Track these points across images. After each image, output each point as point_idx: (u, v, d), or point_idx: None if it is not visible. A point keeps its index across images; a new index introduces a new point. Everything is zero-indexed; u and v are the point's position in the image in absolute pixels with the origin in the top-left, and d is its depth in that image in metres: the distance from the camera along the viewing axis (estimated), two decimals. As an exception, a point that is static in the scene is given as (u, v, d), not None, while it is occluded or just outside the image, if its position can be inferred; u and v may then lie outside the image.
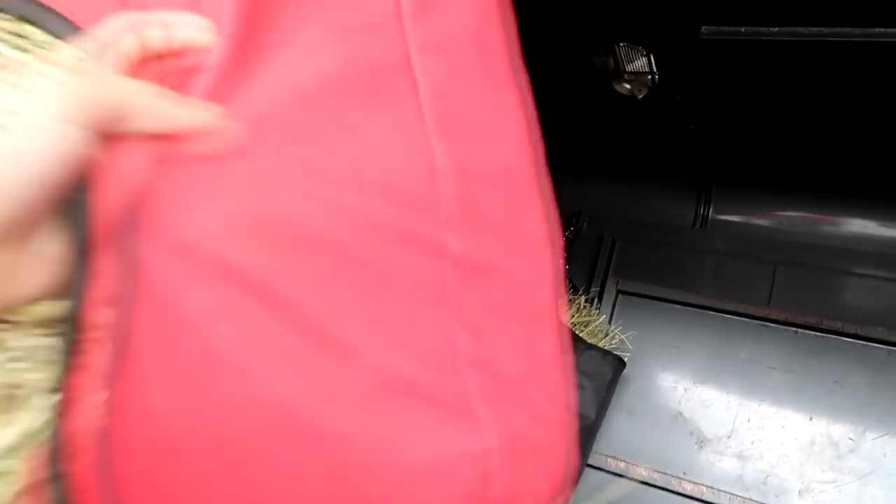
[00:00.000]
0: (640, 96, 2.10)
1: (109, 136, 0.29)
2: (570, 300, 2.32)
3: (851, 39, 1.56)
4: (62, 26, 0.30)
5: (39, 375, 0.29)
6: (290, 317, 0.32)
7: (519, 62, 0.46)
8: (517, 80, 0.45)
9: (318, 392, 0.32)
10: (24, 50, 0.30)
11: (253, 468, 0.32)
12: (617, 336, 2.22)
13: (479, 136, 0.40)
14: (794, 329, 2.09)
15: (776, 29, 1.58)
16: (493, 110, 0.42)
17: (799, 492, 1.91)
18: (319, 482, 0.33)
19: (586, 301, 2.33)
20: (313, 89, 0.34)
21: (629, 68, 2.03)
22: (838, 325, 2.04)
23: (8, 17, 0.30)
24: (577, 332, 2.17)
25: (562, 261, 0.49)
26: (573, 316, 2.26)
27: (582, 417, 2.00)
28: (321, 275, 0.33)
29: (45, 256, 0.28)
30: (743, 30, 1.62)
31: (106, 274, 0.29)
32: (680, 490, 1.98)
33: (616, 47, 1.96)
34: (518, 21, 0.46)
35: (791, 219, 2.32)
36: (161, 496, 0.31)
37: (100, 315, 0.29)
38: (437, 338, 0.36)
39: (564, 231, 2.42)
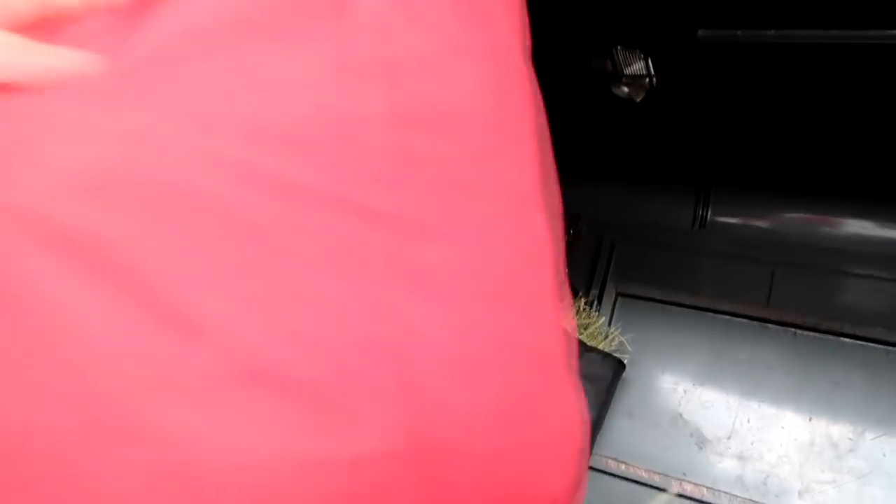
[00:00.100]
0: (638, 99, 2.11)
1: None
2: (570, 302, 2.33)
3: (847, 42, 1.57)
4: None
5: None
6: (132, 290, 0.28)
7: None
8: (495, 18, 0.39)
9: (155, 379, 0.28)
10: None
11: (85, 474, 0.27)
12: (617, 338, 2.23)
13: (436, 80, 0.35)
14: (793, 330, 2.10)
15: (772, 32, 1.60)
16: (456, 51, 0.36)
17: (799, 492, 1.92)
18: (159, 491, 0.28)
19: (586, 303, 2.34)
20: (208, 30, 0.30)
21: (627, 72, 2.04)
22: (837, 326, 2.04)
23: None
24: (577, 335, 2.18)
25: (562, 242, 0.45)
26: (573, 318, 2.27)
27: (582, 419, 2.00)
28: (180, 240, 0.28)
29: None
30: (739, 33, 1.63)
31: None
32: (680, 491, 1.99)
33: (614, 51, 1.97)
34: None
35: (789, 220, 2.32)
36: None
37: None
38: (330, 317, 0.30)
39: (564, 234, 2.42)
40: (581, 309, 2.30)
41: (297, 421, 0.29)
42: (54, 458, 0.27)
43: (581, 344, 2.13)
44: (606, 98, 2.14)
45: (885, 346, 1.99)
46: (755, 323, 2.16)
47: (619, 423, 2.14)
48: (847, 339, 2.04)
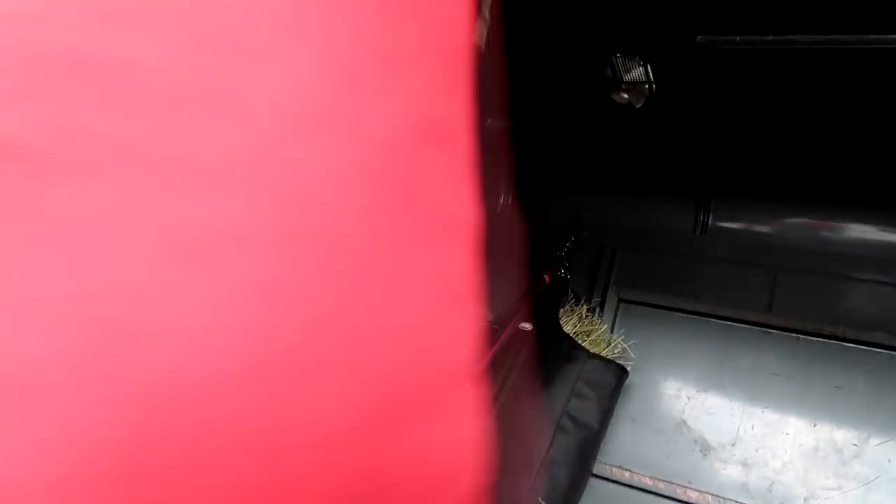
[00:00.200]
0: (638, 105, 2.11)
1: None
2: (573, 310, 2.33)
3: (846, 46, 1.58)
4: None
5: None
6: None
7: None
8: None
9: None
10: None
11: None
12: (619, 345, 2.22)
13: None
14: (795, 335, 2.10)
15: (771, 37, 1.60)
16: None
17: (804, 499, 1.91)
18: None
19: (588, 310, 2.33)
20: None
21: (626, 78, 2.05)
22: (840, 331, 2.04)
23: None
24: (580, 342, 2.17)
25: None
26: (576, 326, 2.26)
27: (586, 427, 2.00)
28: None
29: None
30: (738, 38, 1.64)
31: None
32: (685, 499, 1.98)
33: (613, 58, 1.98)
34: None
35: (791, 225, 2.32)
36: None
37: None
38: None
39: (566, 241, 2.43)
40: (583, 316, 2.30)
41: None
42: None
43: (584, 351, 2.12)
44: (606, 104, 2.14)
45: (889, 351, 1.98)
46: (757, 328, 2.15)
47: (623, 430, 2.13)
48: (850, 344, 2.03)
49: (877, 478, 1.87)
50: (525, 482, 1.91)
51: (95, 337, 0.28)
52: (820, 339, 2.07)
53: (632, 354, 2.20)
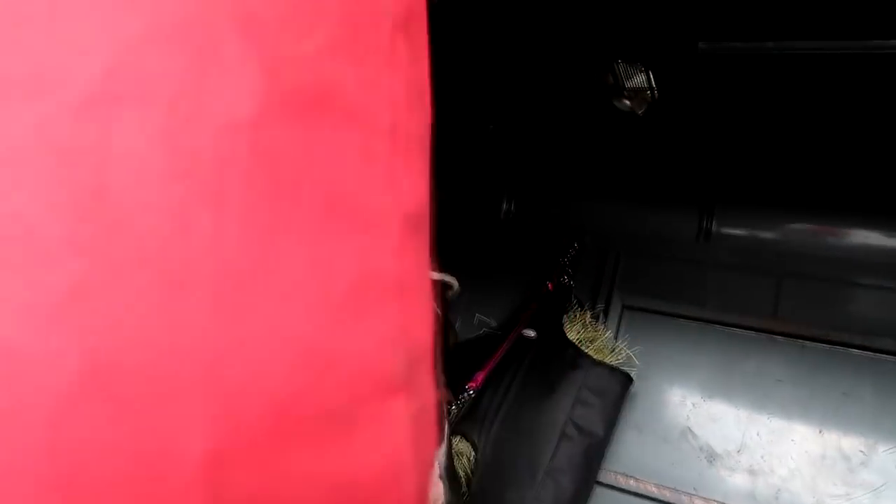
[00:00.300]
0: (640, 112, 2.11)
1: None
2: (577, 317, 2.32)
3: (849, 52, 1.58)
4: None
5: None
6: None
7: None
8: None
9: None
10: None
11: None
12: (623, 352, 2.21)
13: None
14: (801, 341, 2.08)
15: (772, 43, 1.60)
16: None
17: (812, 506, 1.89)
18: None
19: (592, 317, 2.33)
20: None
21: (628, 85, 2.05)
22: (845, 337, 2.03)
23: None
24: (584, 349, 2.17)
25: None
26: (580, 333, 2.26)
27: (591, 435, 1.99)
28: None
29: None
30: (740, 45, 1.64)
31: None
32: (691, 507, 1.96)
33: (615, 65, 1.98)
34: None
35: (795, 231, 2.31)
36: None
37: None
38: None
39: (569, 248, 2.43)
40: (587, 323, 2.29)
41: None
42: None
43: (588, 358, 2.12)
44: (609, 111, 2.14)
45: (895, 357, 1.97)
46: (762, 335, 2.14)
47: (628, 438, 2.12)
48: (856, 351, 2.02)
49: (884, 485, 1.85)
50: (529, 491, 1.90)
51: None
52: (826, 346, 2.06)
53: (636, 361, 2.19)
